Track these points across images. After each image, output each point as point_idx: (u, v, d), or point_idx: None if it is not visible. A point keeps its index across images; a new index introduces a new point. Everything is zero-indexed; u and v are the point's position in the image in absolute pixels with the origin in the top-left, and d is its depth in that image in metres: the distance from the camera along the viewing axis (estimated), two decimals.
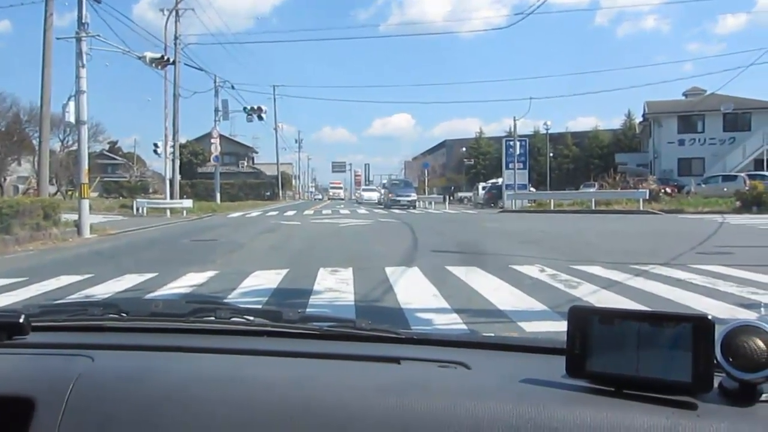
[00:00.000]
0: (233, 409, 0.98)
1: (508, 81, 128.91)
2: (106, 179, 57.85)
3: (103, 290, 7.60)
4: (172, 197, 31.05)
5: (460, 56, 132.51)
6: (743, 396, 0.92)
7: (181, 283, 8.13)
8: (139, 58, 20.17)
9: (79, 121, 17.20)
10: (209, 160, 44.76)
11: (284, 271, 8.88)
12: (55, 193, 40.05)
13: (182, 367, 1.17)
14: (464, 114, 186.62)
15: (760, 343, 0.90)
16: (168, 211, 28.82)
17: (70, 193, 43.42)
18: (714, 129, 42.05)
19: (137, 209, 30.08)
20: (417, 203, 40.02)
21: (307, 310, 5.85)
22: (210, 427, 0.97)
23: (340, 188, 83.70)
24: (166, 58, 22.57)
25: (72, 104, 17.11)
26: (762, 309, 5.78)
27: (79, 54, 16.83)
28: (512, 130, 38.59)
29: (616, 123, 56.99)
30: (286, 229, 19.29)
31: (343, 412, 0.96)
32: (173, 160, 31.73)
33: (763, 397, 0.92)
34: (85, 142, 17.72)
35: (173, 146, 31.72)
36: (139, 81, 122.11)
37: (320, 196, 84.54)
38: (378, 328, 1.40)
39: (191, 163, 55.03)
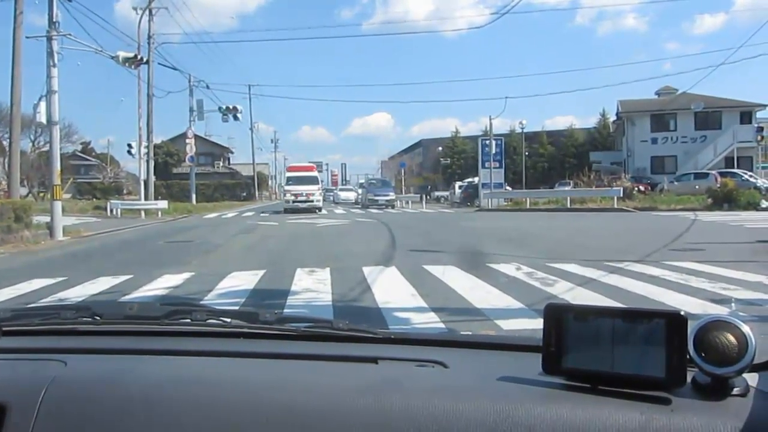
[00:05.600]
0: (210, 412, 0.98)
1: (487, 80, 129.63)
2: (79, 180, 57.01)
3: (77, 293, 7.50)
4: (146, 198, 30.73)
5: (440, 56, 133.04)
6: (716, 390, 0.94)
7: (156, 285, 8.04)
8: (112, 57, 19.94)
9: (50, 121, 16.94)
10: (184, 161, 44.42)
11: (261, 272, 8.84)
12: (27, 195, 39.39)
13: (157, 370, 1.16)
14: (443, 114, 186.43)
15: (732, 338, 0.92)
16: (142, 213, 28.54)
17: (41, 194, 42.72)
18: (686, 127, 42.68)
19: (111, 211, 29.72)
20: (395, 203, 39.79)
21: (285, 310, 5.83)
22: (186, 430, 0.96)
23: (314, 182, 33.99)
24: (139, 57, 22.34)
25: (43, 104, 16.84)
26: (732, 304, 5.90)
27: (50, 53, 16.58)
28: (488, 129, 38.76)
29: (593, 122, 57.58)
30: (262, 229, 19.19)
31: (321, 413, 0.96)
32: (147, 161, 31.42)
33: (735, 391, 0.94)
34: (56, 142, 17.46)
35: (147, 147, 31.42)
36: (112, 81, 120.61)
37: None
38: (355, 328, 1.39)
39: (166, 163, 54.52)
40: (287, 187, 33.83)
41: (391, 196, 39.63)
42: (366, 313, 6.10)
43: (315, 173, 35.71)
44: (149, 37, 32.45)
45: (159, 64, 34.00)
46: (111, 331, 1.45)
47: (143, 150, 30.79)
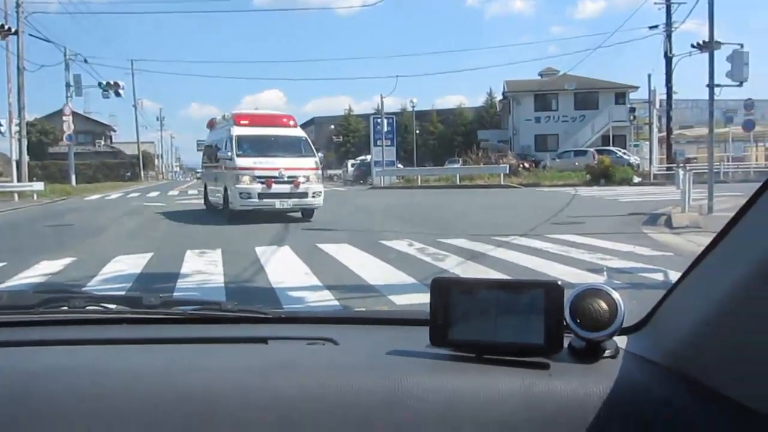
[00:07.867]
0: (92, 402, 0.93)
1: (380, 59, 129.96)
2: None
3: None
4: (20, 180, 28.75)
5: (333, 33, 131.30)
6: (589, 354, 1.00)
7: (32, 272, 7.57)
8: None
9: None
10: (61, 139, 41.78)
11: (149, 255, 8.52)
12: None
13: (30, 362, 1.09)
14: (337, 92, 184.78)
15: (603, 305, 0.98)
16: (16, 195, 26.67)
17: None
18: (566, 107, 44.83)
19: None
20: None
21: (174, 294, 5.67)
22: (65, 426, 0.91)
23: (300, 150, 14.24)
24: (6, 27, 20.71)
25: None
26: (605, 272, 6.32)
27: None
28: (380, 107, 38.97)
29: (482, 101, 59.18)
30: (149, 211, 18.45)
31: (210, 396, 0.94)
32: (20, 140, 29.35)
33: (606, 353, 1.00)
34: None
35: (19, 124, 29.30)
36: None
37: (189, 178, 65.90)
38: (245, 309, 1.37)
39: (41, 142, 51.03)
40: (241, 162, 13.74)
41: None
42: (259, 293, 6.04)
43: (299, 132, 15.61)
44: (18, 5, 30.10)
45: (30, 35, 31.61)
46: None
47: (14, 128, 28.71)
